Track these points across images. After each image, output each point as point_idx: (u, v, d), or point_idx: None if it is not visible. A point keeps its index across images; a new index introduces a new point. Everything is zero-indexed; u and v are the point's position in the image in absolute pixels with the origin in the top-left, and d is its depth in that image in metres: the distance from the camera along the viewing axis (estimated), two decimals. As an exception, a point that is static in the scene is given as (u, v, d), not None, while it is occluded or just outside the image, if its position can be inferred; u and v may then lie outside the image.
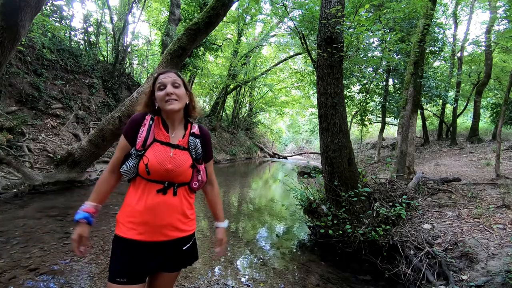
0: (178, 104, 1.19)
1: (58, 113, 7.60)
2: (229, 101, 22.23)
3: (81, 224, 1.14)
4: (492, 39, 10.32)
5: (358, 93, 10.86)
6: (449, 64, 13.42)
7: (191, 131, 1.28)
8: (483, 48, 11.49)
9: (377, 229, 3.10)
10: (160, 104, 1.21)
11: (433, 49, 9.85)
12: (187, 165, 1.20)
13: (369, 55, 7.49)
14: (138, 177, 1.16)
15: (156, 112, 1.26)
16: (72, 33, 10.56)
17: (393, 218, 3.28)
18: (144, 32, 24.11)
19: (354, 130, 19.04)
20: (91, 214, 1.16)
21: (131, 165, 1.15)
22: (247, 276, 2.78)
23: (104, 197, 1.22)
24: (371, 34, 5.97)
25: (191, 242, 1.26)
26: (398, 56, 8.86)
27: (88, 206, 1.16)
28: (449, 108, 15.69)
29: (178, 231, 1.19)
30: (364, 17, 5.88)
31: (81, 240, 1.14)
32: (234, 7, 14.60)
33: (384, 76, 11.21)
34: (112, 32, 11.87)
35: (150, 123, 1.20)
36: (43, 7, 8.08)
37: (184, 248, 1.22)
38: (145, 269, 1.15)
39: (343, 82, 4.26)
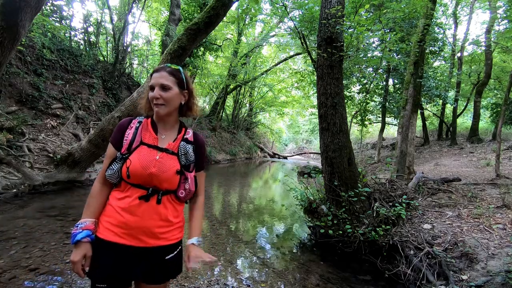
0: (164, 109, 1.14)
1: (58, 113, 7.60)
2: (229, 101, 22.22)
3: (84, 244, 1.05)
4: (492, 39, 10.32)
5: (358, 93, 10.86)
6: (449, 64, 13.42)
7: (184, 136, 1.22)
8: (483, 48, 11.49)
9: (377, 229, 3.10)
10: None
11: (433, 49, 9.85)
12: (173, 171, 1.12)
13: (369, 55, 7.49)
14: (123, 182, 1.11)
15: None
16: (72, 33, 10.56)
17: (393, 218, 3.28)
18: (144, 32, 24.13)
19: (354, 130, 19.03)
20: (92, 230, 1.08)
21: (115, 169, 1.10)
22: (247, 276, 2.77)
23: (100, 211, 1.13)
24: (371, 34, 5.96)
25: (175, 252, 1.17)
26: (398, 56, 8.86)
27: (87, 223, 1.07)
28: (449, 108, 15.69)
29: (158, 239, 1.11)
30: (364, 17, 5.89)
31: (86, 261, 1.06)
32: (234, 7, 14.59)
33: (384, 76, 11.21)
34: (112, 32, 11.87)
35: (137, 126, 1.16)
36: (43, 7, 8.08)
37: (167, 257, 1.14)
38: (126, 274, 1.08)
39: (343, 82, 4.26)
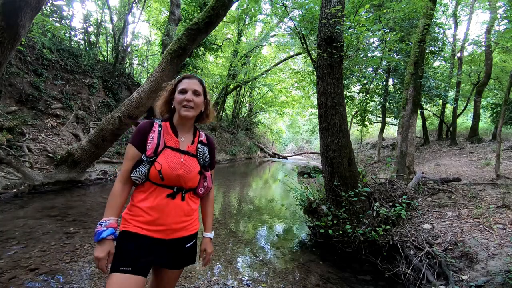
0: (193, 112, 1.25)
1: (58, 113, 7.60)
2: (229, 101, 22.23)
3: (108, 241, 1.12)
4: (492, 39, 10.32)
5: (358, 93, 10.86)
6: (449, 64, 13.42)
7: (199, 139, 1.33)
8: (483, 48, 11.49)
9: (377, 229, 3.09)
10: (176, 107, 1.25)
11: (433, 49, 9.85)
12: (196, 171, 1.25)
13: (369, 55, 7.49)
14: (147, 182, 1.19)
15: (171, 112, 1.31)
16: (72, 33, 10.56)
17: (393, 218, 3.28)
18: (144, 32, 24.13)
19: (354, 130, 19.04)
20: (115, 228, 1.16)
21: (143, 171, 1.17)
22: (247, 276, 2.77)
23: (121, 209, 1.21)
24: (371, 34, 5.96)
25: (194, 241, 1.31)
26: (398, 56, 8.86)
27: (111, 221, 1.15)
28: (449, 108, 15.69)
29: (182, 231, 1.23)
30: (364, 17, 5.89)
31: (109, 257, 1.13)
32: (234, 7, 14.60)
33: (384, 76, 11.21)
34: (112, 32, 11.87)
35: (159, 129, 1.24)
36: (43, 7, 8.08)
37: (187, 246, 1.27)
38: (148, 261, 1.16)
39: (343, 82, 4.26)
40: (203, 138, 1.35)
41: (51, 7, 9.01)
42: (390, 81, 11.83)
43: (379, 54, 7.37)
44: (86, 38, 11.06)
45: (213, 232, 1.41)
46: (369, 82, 10.04)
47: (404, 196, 3.61)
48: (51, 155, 6.28)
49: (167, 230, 1.18)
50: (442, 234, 3.24)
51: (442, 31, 11.00)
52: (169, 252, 1.21)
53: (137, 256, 1.13)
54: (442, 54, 11.18)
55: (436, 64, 13.02)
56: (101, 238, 1.10)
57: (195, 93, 1.24)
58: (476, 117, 12.53)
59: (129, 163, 1.19)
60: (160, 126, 1.25)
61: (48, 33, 8.73)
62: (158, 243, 1.18)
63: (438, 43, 9.93)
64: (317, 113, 4.17)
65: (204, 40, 11.77)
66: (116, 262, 1.12)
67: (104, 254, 1.10)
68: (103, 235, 1.10)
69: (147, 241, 1.16)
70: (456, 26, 13.26)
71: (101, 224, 1.13)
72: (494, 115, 13.37)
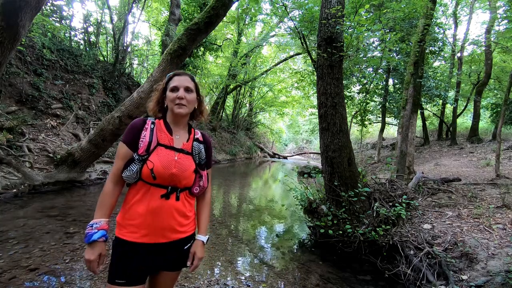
0: (186, 109, 1.21)
1: (58, 113, 7.60)
2: (229, 101, 22.23)
3: (99, 243, 1.09)
4: (492, 39, 10.32)
5: (358, 93, 10.86)
6: (449, 64, 13.42)
7: (195, 136, 1.29)
8: (483, 48, 11.49)
9: (377, 229, 3.09)
10: (169, 105, 1.22)
11: (433, 49, 9.85)
12: (191, 170, 1.20)
13: (369, 55, 7.49)
14: (140, 182, 1.14)
15: (164, 111, 1.27)
16: (72, 33, 10.57)
17: (393, 218, 3.28)
18: (144, 32, 24.13)
19: (354, 130, 19.04)
20: (106, 230, 1.12)
21: (134, 170, 1.12)
22: (247, 276, 2.77)
23: (112, 210, 1.17)
24: (371, 34, 5.97)
25: (191, 242, 1.27)
26: (398, 56, 8.86)
27: (102, 223, 1.11)
28: (449, 108, 15.69)
29: (179, 233, 1.19)
30: (364, 17, 5.88)
31: (100, 259, 1.11)
32: (234, 7, 14.60)
33: (384, 76, 11.21)
34: (112, 32, 11.87)
35: (152, 127, 1.19)
36: (43, 7, 8.09)
37: (185, 247, 1.24)
38: (144, 270, 1.15)
39: (343, 82, 4.26)
40: (199, 135, 1.31)
41: (51, 7, 9.01)
42: (390, 81, 11.83)
43: (379, 54, 7.37)
44: (86, 38, 11.07)
45: (208, 236, 1.32)
46: (369, 82, 10.04)
47: (404, 196, 3.61)
48: (51, 155, 6.28)
49: (163, 232, 1.14)
50: (442, 234, 3.24)
51: (442, 31, 11.00)
52: (167, 255, 1.18)
53: (132, 267, 1.11)
54: (442, 54, 11.17)
55: (436, 64, 13.01)
56: (92, 241, 1.07)
57: (187, 90, 1.20)
58: (476, 117, 12.54)
59: (120, 162, 1.14)
60: (153, 123, 1.21)
61: (48, 33, 8.73)
62: (155, 248, 1.14)
63: (438, 43, 9.92)
64: (317, 113, 4.17)
65: (204, 40, 11.78)
66: (112, 272, 1.11)
67: (95, 257, 1.08)
68: (94, 237, 1.07)
69: (143, 249, 1.12)
70: (456, 26, 13.26)
71: (92, 226, 1.09)
72: (494, 115, 13.38)
